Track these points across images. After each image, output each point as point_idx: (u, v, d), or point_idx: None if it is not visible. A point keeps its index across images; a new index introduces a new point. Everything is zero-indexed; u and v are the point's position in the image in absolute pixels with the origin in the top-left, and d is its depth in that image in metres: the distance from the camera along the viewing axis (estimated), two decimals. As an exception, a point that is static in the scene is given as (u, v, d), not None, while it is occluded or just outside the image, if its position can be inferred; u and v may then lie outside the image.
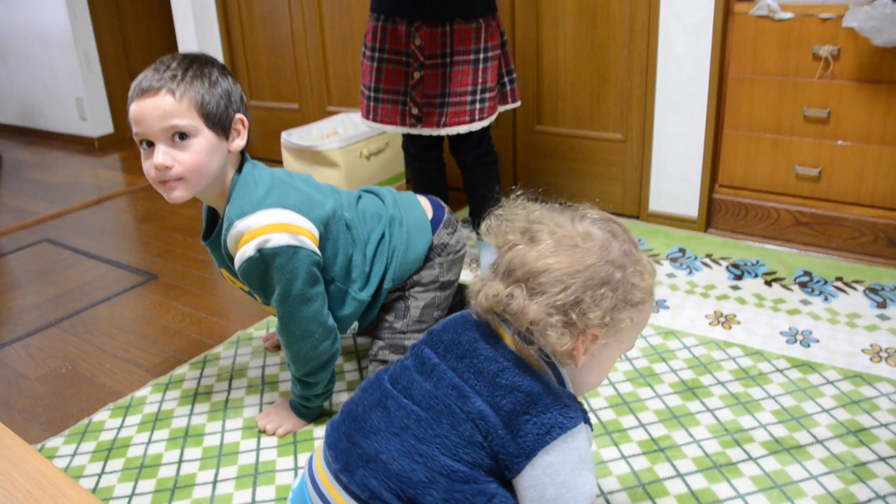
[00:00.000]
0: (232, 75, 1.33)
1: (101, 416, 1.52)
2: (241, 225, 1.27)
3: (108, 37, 4.00)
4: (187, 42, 3.39)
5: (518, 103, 2.04)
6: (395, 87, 1.92)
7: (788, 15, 2.00)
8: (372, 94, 1.95)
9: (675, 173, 2.29)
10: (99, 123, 4.01)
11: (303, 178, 1.42)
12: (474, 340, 0.92)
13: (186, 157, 1.24)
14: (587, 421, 0.89)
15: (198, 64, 1.28)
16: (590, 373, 0.94)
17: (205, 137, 1.25)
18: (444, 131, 1.91)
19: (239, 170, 1.34)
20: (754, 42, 2.07)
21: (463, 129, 1.90)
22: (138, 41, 4.15)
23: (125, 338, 1.87)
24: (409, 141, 2.07)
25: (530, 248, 0.88)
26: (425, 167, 2.10)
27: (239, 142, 1.32)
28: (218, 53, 3.36)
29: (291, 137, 2.53)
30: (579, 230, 0.89)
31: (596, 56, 2.35)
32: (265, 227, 1.26)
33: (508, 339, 0.90)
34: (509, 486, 0.88)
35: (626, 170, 2.40)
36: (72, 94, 4.01)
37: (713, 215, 2.28)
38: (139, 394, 1.59)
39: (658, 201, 2.36)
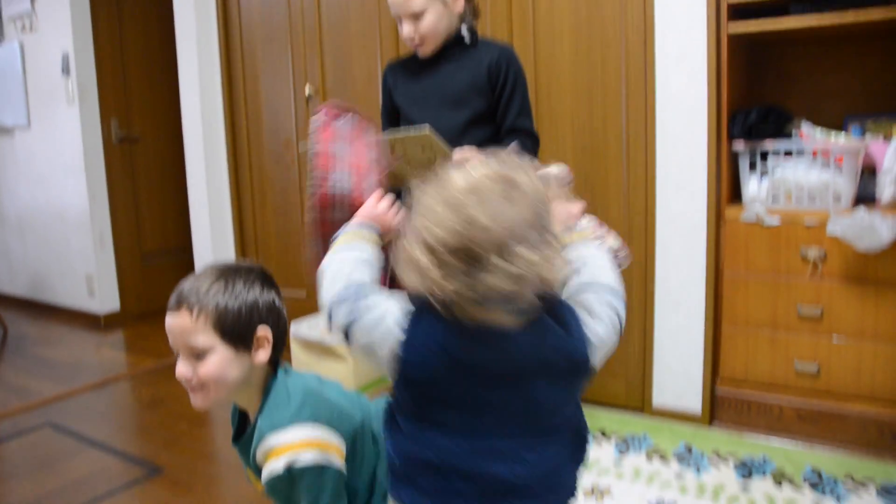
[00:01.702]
0: (268, 283, 1.36)
1: None
2: (272, 440, 1.28)
3: (124, 219, 4.18)
4: (201, 228, 3.55)
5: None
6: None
7: (775, 221, 2.14)
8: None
9: (678, 368, 2.35)
10: (106, 300, 4.10)
11: (332, 386, 1.44)
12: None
13: (203, 370, 1.29)
14: None
15: (227, 276, 1.33)
16: None
17: (219, 353, 1.29)
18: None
19: (272, 375, 1.37)
20: (746, 244, 2.20)
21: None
22: (152, 224, 4.33)
23: (128, 540, 1.82)
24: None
25: (485, 231, 0.91)
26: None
27: (262, 355, 1.35)
28: (229, 237, 3.51)
29: (300, 329, 2.59)
30: (490, 186, 0.94)
31: (595, 252, 2.47)
32: (296, 444, 1.28)
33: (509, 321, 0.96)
34: None
35: (628, 365, 2.45)
36: (83, 271, 4.12)
37: (717, 409, 2.30)
38: None
39: (661, 396, 2.39)
